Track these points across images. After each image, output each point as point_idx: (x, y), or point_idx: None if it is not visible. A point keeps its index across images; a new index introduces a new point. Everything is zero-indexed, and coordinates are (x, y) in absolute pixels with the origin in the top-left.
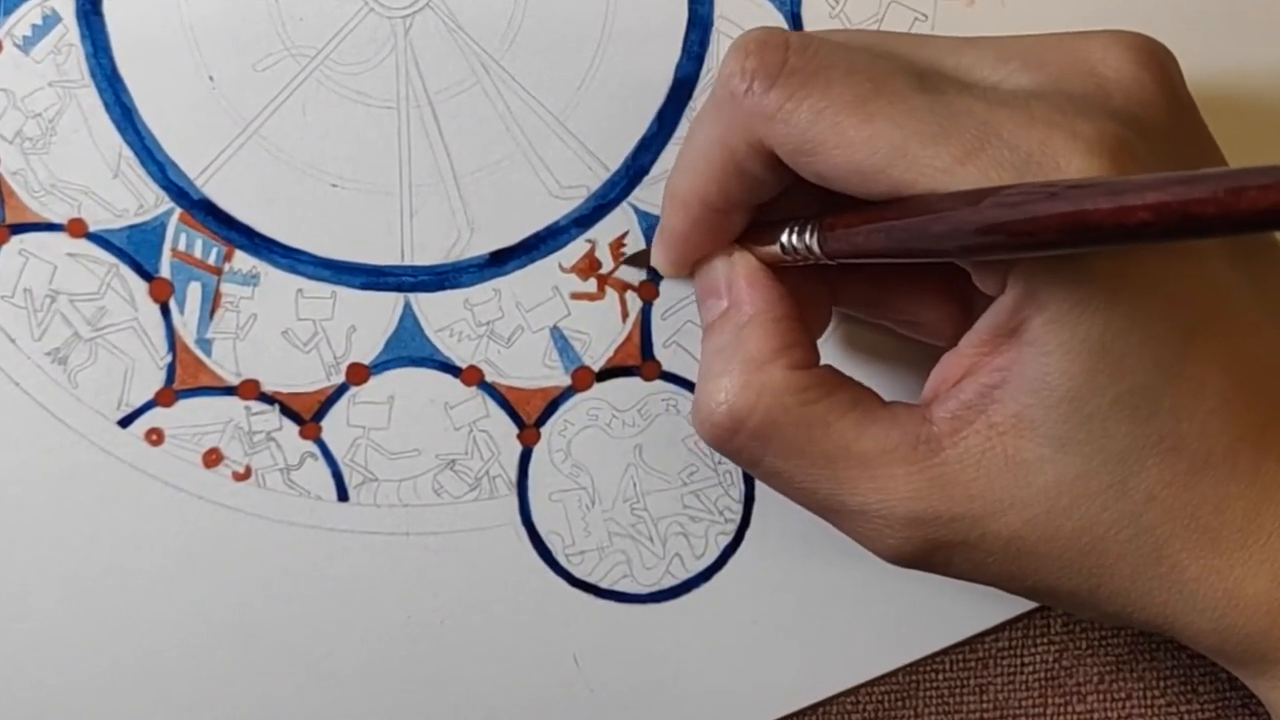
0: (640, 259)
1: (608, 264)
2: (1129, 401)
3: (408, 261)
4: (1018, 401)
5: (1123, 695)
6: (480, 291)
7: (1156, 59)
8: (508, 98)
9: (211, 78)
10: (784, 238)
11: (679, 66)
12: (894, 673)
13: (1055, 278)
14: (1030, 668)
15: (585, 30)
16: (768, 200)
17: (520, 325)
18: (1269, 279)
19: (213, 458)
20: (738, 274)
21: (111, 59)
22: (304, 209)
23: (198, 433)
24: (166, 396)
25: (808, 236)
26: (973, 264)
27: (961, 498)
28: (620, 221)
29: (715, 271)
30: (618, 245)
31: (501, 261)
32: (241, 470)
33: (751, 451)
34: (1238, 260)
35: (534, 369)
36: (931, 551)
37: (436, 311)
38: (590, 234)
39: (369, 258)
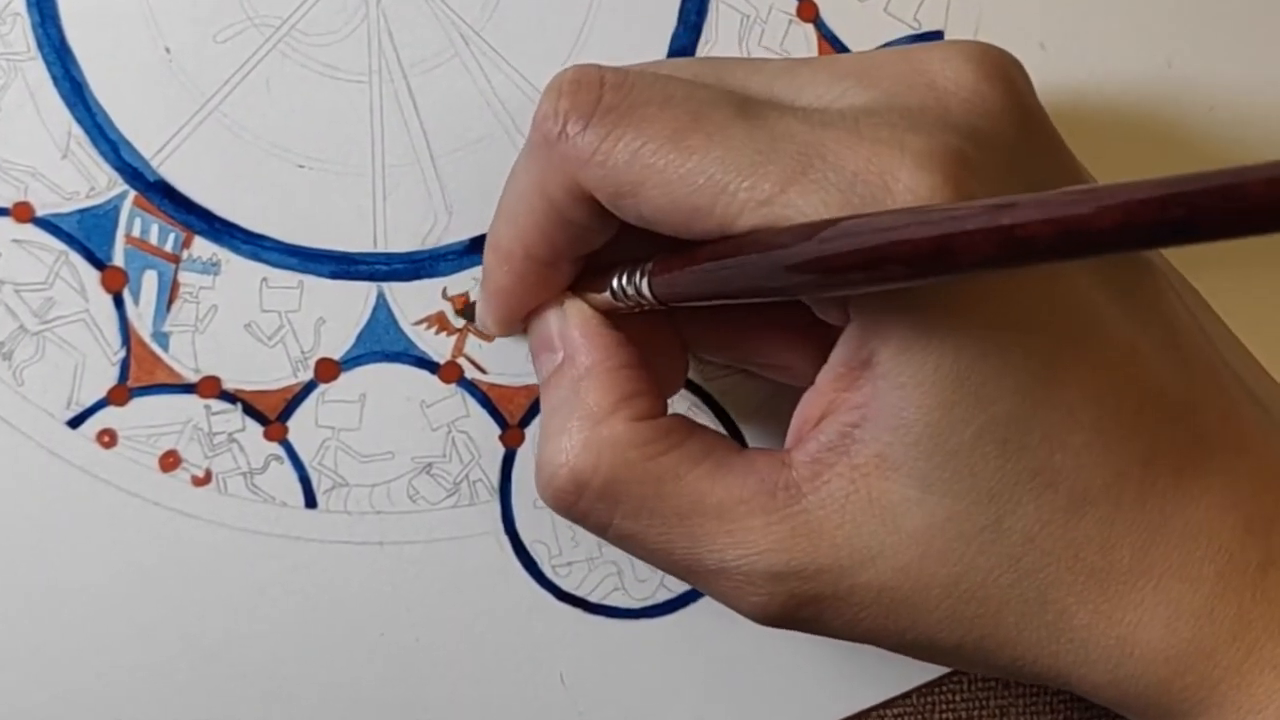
0: (471, 312)
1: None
2: (995, 434)
3: (381, 248)
4: (879, 440)
5: None
6: (459, 281)
7: (1000, 69)
8: (488, 71)
9: (168, 49)
10: (614, 282)
11: (675, 37)
12: (907, 694)
13: (894, 304)
14: (1053, 690)
15: None
16: (598, 247)
17: None
18: (1142, 294)
19: (170, 461)
20: (570, 324)
21: (60, 29)
22: (268, 191)
23: (154, 434)
24: (120, 394)
25: (638, 280)
26: (809, 297)
27: (826, 547)
28: None
29: (547, 323)
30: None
31: (482, 248)
32: (201, 474)
33: (599, 515)
34: (1104, 277)
35: (517, 365)
36: (799, 608)
37: (412, 302)
38: None
39: (339, 244)
